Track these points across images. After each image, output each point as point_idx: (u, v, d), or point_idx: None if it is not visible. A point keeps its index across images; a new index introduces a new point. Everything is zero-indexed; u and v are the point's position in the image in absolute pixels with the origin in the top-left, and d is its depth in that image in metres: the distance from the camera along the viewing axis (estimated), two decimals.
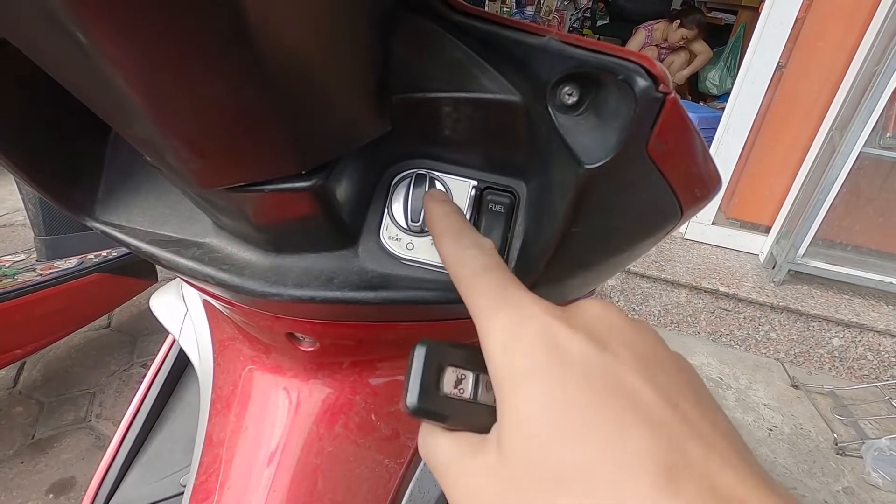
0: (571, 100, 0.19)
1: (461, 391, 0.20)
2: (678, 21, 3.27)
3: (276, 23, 0.14)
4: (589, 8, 4.81)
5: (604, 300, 0.19)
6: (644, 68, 0.17)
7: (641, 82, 0.17)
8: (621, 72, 0.17)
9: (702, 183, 0.22)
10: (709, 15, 3.87)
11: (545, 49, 0.19)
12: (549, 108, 0.20)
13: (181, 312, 0.46)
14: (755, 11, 2.81)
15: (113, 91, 0.15)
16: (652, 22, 3.47)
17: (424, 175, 0.26)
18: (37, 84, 0.26)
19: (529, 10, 4.73)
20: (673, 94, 0.17)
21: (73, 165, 0.28)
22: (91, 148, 0.29)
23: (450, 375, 0.20)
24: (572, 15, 4.76)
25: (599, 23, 4.78)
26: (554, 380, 0.15)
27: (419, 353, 0.19)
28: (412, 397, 0.19)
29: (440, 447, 0.19)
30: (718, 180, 0.23)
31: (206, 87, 0.15)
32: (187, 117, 0.16)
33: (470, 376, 0.20)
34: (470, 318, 0.19)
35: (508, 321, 0.17)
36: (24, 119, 0.25)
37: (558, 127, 0.20)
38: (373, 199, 0.26)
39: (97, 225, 0.28)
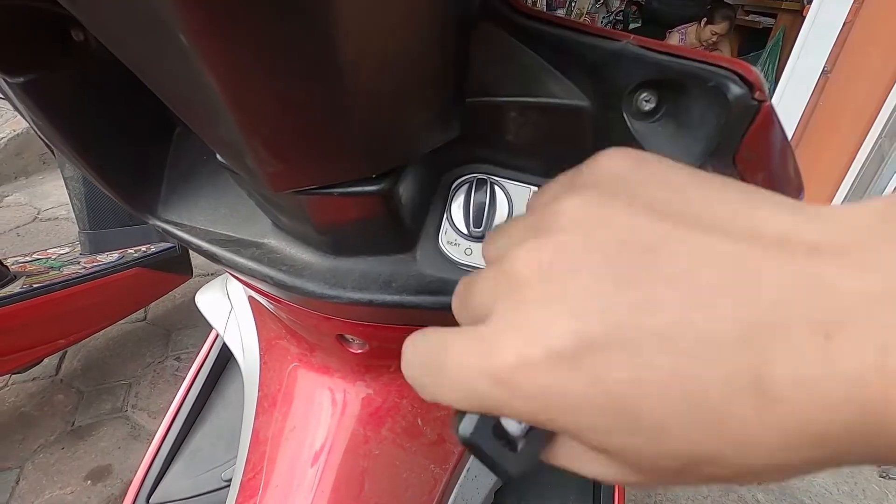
0: (649, 106, 0.19)
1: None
2: (705, 19, 3.20)
3: (371, 29, 0.14)
4: (621, 11, 4.73)
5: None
6: (738, 74, 0.16)
7: (736, 89, 0.16)
8: (712, 78, 0.16)
9: (784, 192, 0.21)
10: (746, 18, 3.76)
11: (621, 54, 0.19)
12: (625, 115, 0.19)
13: (226, 309, 0.47)
14: (796, 15, 2.72)
15: (203, 93, 0.15)
16: (685, 25, 3.39)
17: (485, 179, 0.25)
18: (108, 87, 0.27)
19: (560, 13, 4.68)
20: (769, 102, 0.16)
21: (138, 166, 0.29)
22: (155, 149, 0.30)
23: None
24: (604, 18, 4.66)
25: (632, 26, 4.69)
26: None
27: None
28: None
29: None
30: (801, 189, 0.22)
31: (295, 91, 0.15)
32: (273, 121, 0.16)
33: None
34: None
35: None
36: (96, 121, 0.26)
37: (634, 134, 0.19)
38: (432, 203, 0.26)
39: (159, 223, 0.29)
